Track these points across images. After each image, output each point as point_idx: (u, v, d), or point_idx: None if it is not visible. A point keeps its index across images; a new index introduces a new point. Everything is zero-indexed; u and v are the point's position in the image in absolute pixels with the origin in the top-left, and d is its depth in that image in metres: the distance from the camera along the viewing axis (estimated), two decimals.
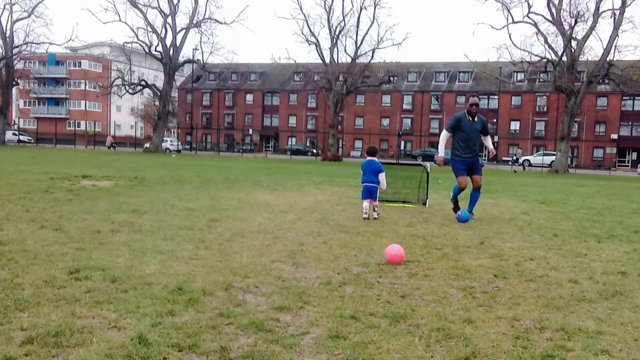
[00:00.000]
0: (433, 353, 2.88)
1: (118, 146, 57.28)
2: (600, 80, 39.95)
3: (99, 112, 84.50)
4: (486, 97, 66.64)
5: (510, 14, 39.47)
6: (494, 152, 9.62)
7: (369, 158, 8.42)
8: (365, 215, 7.94)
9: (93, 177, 13.23)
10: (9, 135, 56.23)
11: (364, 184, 8.26)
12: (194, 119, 71.86)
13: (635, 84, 38.58)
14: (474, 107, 8.23)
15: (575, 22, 36.93)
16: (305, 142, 72.45)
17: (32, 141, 60.96)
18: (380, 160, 8.63)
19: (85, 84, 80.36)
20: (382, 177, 8.24)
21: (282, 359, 2.76)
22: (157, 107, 52.08)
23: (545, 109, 63.77)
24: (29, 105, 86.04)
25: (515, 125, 66.29)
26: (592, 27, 36.85)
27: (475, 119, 8.33)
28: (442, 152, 8.55)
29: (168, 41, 48.40)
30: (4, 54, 49.22)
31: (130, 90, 49.31)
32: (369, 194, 8.14)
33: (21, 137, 59.72)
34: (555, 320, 3.47)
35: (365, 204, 8.08)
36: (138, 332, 2.96)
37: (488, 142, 8.83)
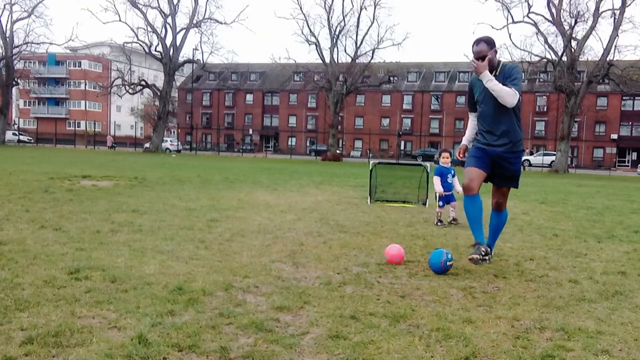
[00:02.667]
0: (433, 353, 2.88)
1: (118, 146, 57.33)
2: (600, 80, 39.96)
3: (99, 112, 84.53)
4: None
5: (510, 14, 39.51)
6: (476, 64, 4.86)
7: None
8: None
9: (93, 177, 13.23)
10: (9, 135, 56.27)
11: None
12: (194, 119, 71.84)
13: (635, 84, 38.58)
14: (480, 60, 4.82)
15: (575, 22, 36.97)
16: (306, 142, 72.41)
17: (32, 141, 60.99)
18: (380, 160, 8.60)
19: (85, 84, 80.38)
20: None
21: (282, 359, 2.76)
22: (157, 107, 52.08)
23: (545, 109, 63.79)
24: (29, 105, 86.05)
25: None
26: (592, 27, 36.87)
27: (495, 74, 4.85)
28: (465, 139, 5.40)
29: (168, 41, 48.44)
30: (4, 54, 49.26)
31: (130, 90, 49.31)
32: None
33: (21, 137, 59.74)
34: (555, 320, 3.47)
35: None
36: (138, 332, 2.95)
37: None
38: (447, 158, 7.93)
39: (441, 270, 4.64)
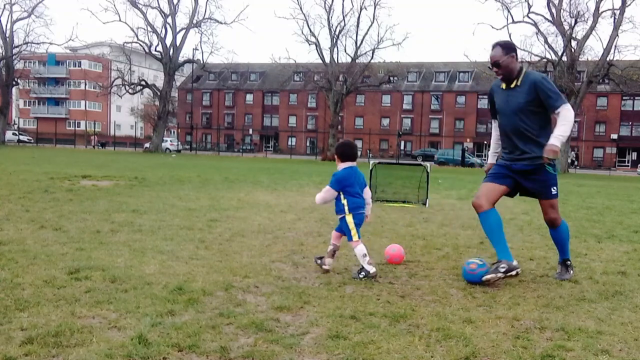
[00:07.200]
0: (433, 353, 2.88)
1: (118, 146, 57.38)
2: (600, 80, 39.99)
3: (99, 112, 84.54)
4: (486, 97, 66.69)
5: (510, 14, 39.60)
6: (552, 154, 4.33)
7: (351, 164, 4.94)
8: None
9: (93, 177, 13.23)
10: (9, 135, 56.28)
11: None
12: (194, 119, 71.84)
13: (635, 84, 38.62)
14: (495, 68, 4.48)
15: (575, 22, 36.97)
16: (306, 142, 72.40)
17: (32, 141, 61.01)
18: (380, 160, 8.12)
19: (85, 84, 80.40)
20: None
21: (282, 359, 2.76)
22: (157, 107, 52.10)
23: None
24: (29, 105, 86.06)
25: None
26: (592, 27, 36.87)
27: (515, 84, 4.46)
28: (490, 156, 4.99)
29: (168, 41, 48.43)
30: (4, 54, 49.26)
31: (130, 90, 49.33)
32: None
33: (21, 137, 59.78)
34: (555, 320, 3.46)
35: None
36: (138, 332, 2.95)
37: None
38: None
39: (473, 277, 4.29)
